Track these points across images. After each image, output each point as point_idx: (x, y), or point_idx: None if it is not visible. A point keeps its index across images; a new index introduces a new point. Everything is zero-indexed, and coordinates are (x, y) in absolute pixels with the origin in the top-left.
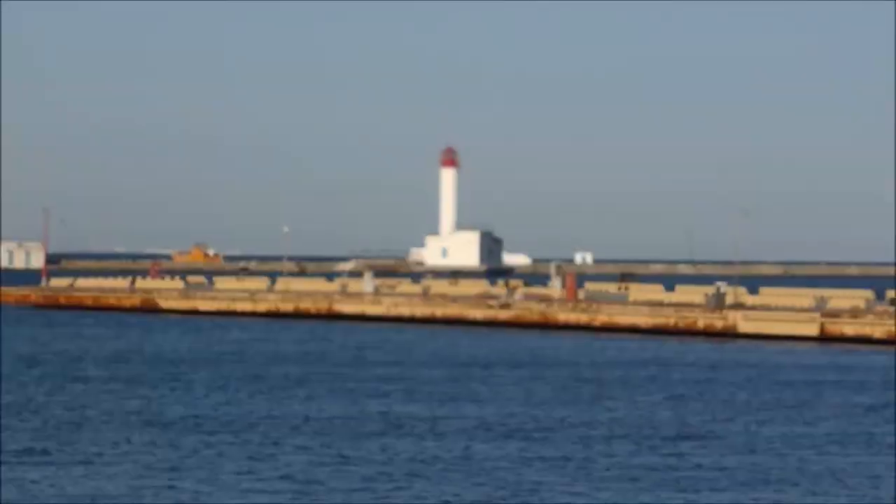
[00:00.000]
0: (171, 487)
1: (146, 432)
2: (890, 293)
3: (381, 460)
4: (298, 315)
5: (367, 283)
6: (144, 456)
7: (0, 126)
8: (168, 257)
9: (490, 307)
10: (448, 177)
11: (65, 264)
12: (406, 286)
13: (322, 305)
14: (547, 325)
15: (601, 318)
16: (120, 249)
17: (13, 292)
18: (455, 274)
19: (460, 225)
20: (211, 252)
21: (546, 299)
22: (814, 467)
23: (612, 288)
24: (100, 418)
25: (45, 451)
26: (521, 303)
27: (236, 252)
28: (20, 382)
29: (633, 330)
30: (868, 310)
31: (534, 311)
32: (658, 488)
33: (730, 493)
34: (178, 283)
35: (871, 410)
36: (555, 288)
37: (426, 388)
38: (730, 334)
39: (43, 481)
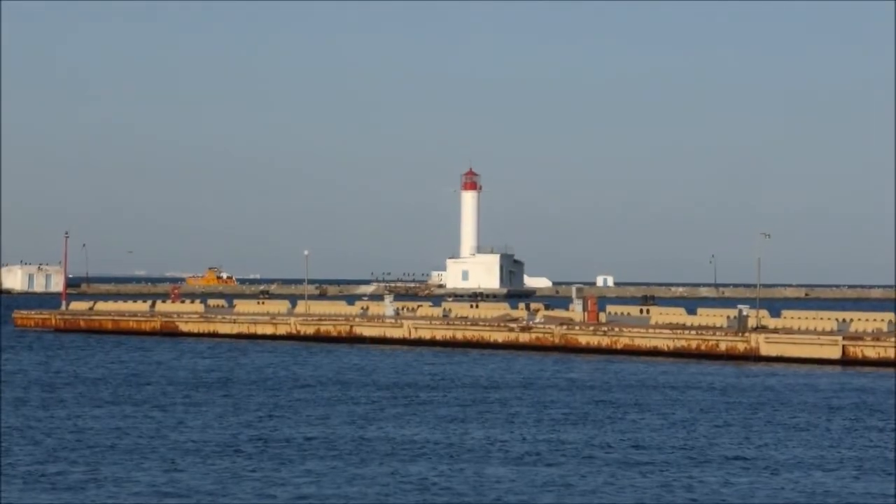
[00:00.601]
0: None
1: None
2: None
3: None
4: (319, 338)
5: (388, 307)
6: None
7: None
8: (182, 280)
9: (511, 330)
10: (469, 200)
11: (85, 288)
12: (427, 309)
13: (342, 328)
14: (568, 349)
15: (623, 342)
16: (140, 273)
17: (33, 316)
18: (476, 297)
19: (481, 248)
20: (224, 275)
21: (567, 322)
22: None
23: (633, 311)
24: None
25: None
26: (542, 326)
27: (257, 275)
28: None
29: (655, 353)
30: (891, 332)
31: (555, 334)
32: None
33: None
34: (198, 307)
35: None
36: (576, 311)
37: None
38: (752, 357)
39: None
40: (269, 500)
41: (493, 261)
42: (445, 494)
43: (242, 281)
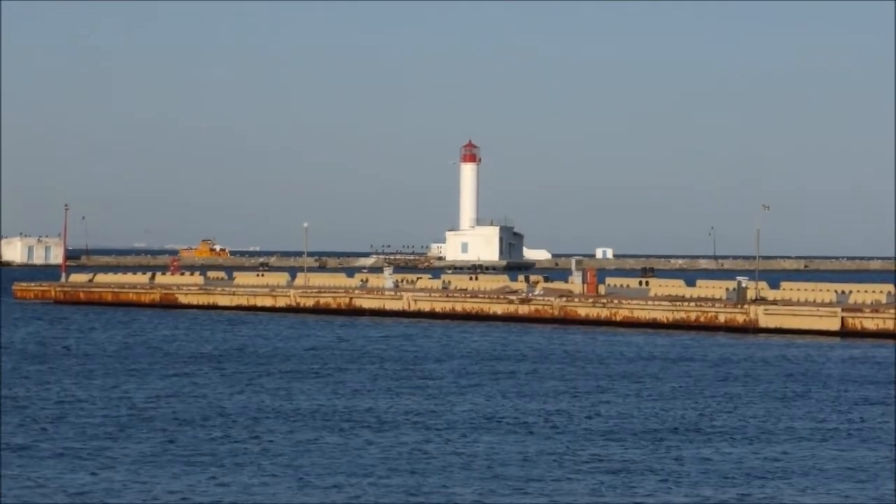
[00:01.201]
0: None
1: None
2: None
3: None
4: (318, 310)
5: (387, 279)
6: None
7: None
8: (176, 252)
9: (510, 302)
10: (468, 172)
11: (84, 260)
12: (426, 281)
13: (342, 301)
14: (567, 321)
15: (622, 314)
16: (140, 245)
17: (33, 288)
18: (475, 269)
19: (480, 220)
20: (218, 247)
21: (566, 294)
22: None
23: (632, 283)
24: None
25: None
26: (542, 298)
27: (256, 248)
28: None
29: (654, 325)
30: (890, 304)
31: (554, 306)
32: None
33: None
34: (197, 279)
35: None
36: (575, 283)
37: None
38: (751, 329)
39: None
40: None
41: (493, 233)
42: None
43: (235, 253)
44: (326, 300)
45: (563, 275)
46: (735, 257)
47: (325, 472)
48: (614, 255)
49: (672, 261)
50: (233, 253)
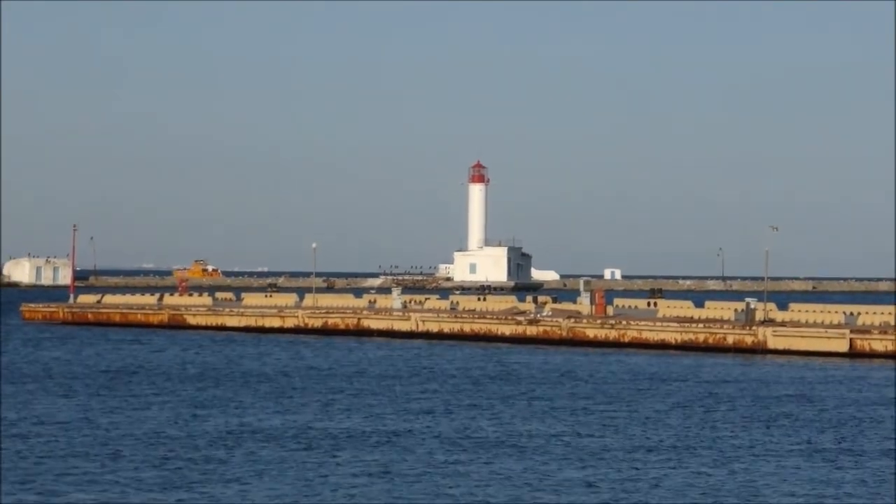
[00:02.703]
0: None
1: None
2: None
3: None
4: (326, 331)
5: (396, 299)
6: None
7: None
8: (168, 273)
9: (518, 323)
10: (476, 192)
11: (93, 281)
12: (434, 302)
13: (350, 321)
14: (575, 342)
15: (630, 334)
16: (148, 266)
17: (41, 309)
18: (483, 290)
19: (489, 241)
20: (210, 268)
21: (575, 315)
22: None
23: (641, 304)
24: None
25: None
26: (550, 319)
27: (264, 268)
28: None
29: (663, 346)
30: None
31: (562, 327)
32: None
33: None
34: (206, 300)
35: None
36: (584, 304)
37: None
38: (759, 350)
39: None
40: None
41: (501, 254)
42: None
43: (228, 274)
44: (335, 321)
45: (572, 295)
46: (743, 278)
47: None
48: (622, 276)
49: (680, 282)
50: (239, 274)
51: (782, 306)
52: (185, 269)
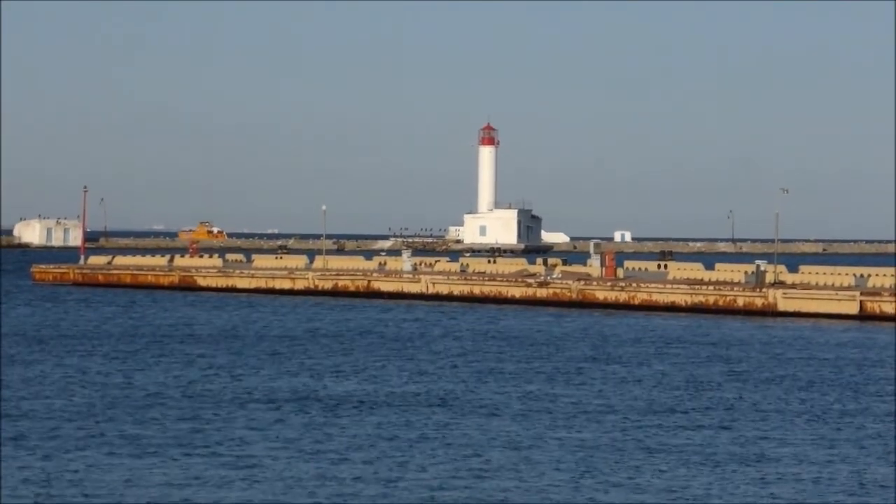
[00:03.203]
0: None
1: None
2: None
3: None
4: (336, 293)
5: (406, 262)
6: None
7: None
8: (174, 235)
9: (528, 285)
10: (486, 155)
11: (103, 242)
12: (444, 264)
13: (360, 283)
14: (585, 304)
15: (640, 297)
16: (158, 227)
17: (51, 270)
18: (493, 252)
19: (499, 203)
20: (215, 229)
21: (585, 278)
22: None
23: (651, 266)
24: None
25: None
26: (560, 281)
27: (275, 230)
28: None
29: (673, 308)
30: None
31: (572, 289)
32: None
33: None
34: (216, 261)
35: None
36: (594, 266)
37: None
38: (769, 312)
39: None
40: None
41: (511, 216)
42: None
43: (232, 235)
44: (345, 283)
45: (582, 258)
46: (753, 240)
47: None
48: (632, 239)
49: (690, 244)
50: (249, 236)
51: (792, 268)
52: (191, 230)
